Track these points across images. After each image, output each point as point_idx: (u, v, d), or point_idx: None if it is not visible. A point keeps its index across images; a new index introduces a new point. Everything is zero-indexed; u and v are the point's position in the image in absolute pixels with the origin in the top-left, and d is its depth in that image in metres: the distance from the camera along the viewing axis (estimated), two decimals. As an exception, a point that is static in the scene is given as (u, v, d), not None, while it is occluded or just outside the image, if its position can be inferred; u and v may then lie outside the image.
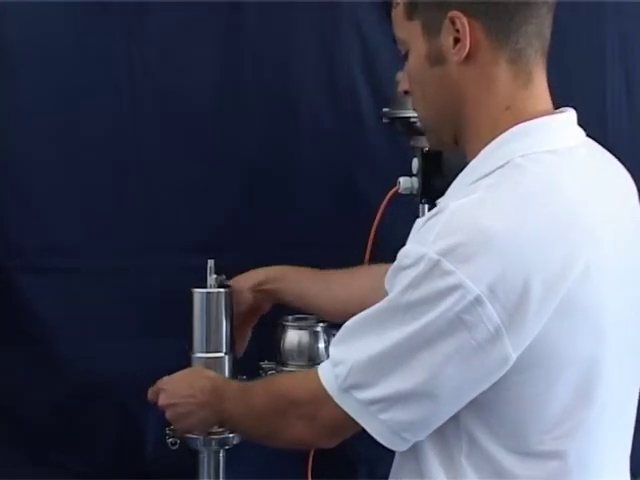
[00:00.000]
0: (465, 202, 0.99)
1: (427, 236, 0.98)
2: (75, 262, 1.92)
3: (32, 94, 1.88)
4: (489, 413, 1.00)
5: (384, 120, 1.65)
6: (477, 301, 0.94)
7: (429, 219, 1.00)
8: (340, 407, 1.05)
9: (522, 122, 1.05)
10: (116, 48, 1.90)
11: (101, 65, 1.90)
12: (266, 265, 1.61)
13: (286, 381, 1.27)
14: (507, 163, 1.02)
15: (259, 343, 1.67)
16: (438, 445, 1.04)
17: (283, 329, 1.63)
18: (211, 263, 1.58)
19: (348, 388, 1.04)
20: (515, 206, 0.98)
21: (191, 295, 1.57)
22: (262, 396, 1.22)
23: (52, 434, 1.90)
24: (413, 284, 0.97)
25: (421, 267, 0.96)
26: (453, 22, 1.04)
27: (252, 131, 1.95)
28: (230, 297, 1.57)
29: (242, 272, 1.61)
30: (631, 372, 1.10)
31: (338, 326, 1.63)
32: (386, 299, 1.02)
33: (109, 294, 1.92)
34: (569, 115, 1.10)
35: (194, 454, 1.58)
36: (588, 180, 1.06)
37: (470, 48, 1.04)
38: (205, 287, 1.57)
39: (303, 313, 1.63)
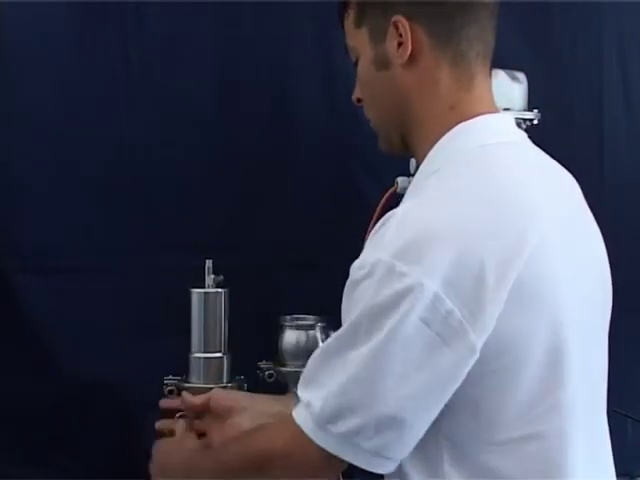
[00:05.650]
0: (410, 205, 1.02)
1: (379, 243, 0.99)
2: (74, 262, 1.93)
3: (30, 94, 1.88)
4: (464, 411, 1.00)
5: (382, 120, 1.65)
6: (435, 298, 0.94)
7: (380, 228, 1.01)
8: (320, 446, 1.00)
9: (466, 121, 1.08)
10: (114, 48, 1.91)
11: (99, 65, 1.90)
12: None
13: (259, 437, 1.12)
14: (452, 158, 1.05)
15: (257, 343, 1.68)
16: (418, 459, 1.02)
17: (281, 329, 1.64)
18: (209, 263, 1.59)
19: (324, 423, 1.00)
20: (459, 198, 1.00)
21: (189, 295, 1.58)
22: (238, 462, 1.11)
23: (51, 434, 1.90)
24: (372, 294, 0.97)
25: (377, 274, 0.96)
26: (396, 27, 1.09)
27: (251, 131, 1.95)
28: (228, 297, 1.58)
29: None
30: (595, 346, 1.10)
31: (336, 326, 1.67)
32: (347, 323, 1.00)
33: (108, 294, 1.93)
34: (509, 116, 1.16)
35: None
36: (532, 168, 1.10)
37: (412, 51, 1.08)
38: (203, 287, 1.58)
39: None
